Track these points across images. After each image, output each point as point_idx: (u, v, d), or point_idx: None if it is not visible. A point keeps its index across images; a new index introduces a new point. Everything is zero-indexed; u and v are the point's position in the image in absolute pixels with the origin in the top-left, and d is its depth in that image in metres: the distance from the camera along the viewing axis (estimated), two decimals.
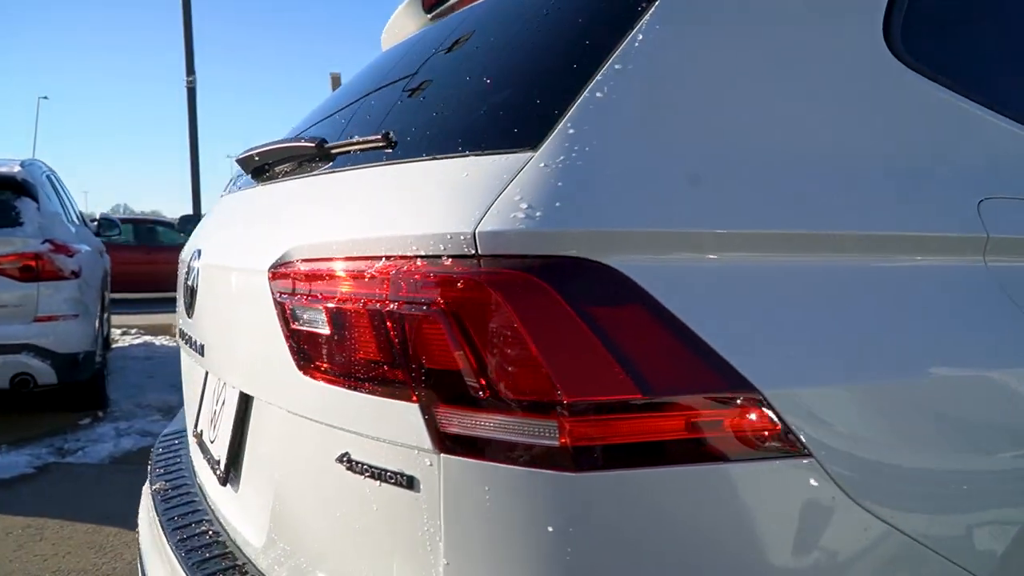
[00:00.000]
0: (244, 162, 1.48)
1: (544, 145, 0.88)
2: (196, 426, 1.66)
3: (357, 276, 0.93)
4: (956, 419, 0.94)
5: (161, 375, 7.12)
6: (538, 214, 0.83)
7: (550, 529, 0.78)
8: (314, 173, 1.22)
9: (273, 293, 1.08)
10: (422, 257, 0.88)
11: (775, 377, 0.83)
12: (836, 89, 0.99)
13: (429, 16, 1.81)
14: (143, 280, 13.56)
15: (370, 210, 0.99)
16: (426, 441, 0.85)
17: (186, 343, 1.56)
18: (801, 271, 0.89)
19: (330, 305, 0.96)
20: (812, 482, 0.83)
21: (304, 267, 1.03)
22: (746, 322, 0.85)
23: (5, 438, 4.84)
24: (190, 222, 8.18)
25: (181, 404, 6.70)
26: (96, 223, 7.23)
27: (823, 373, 0.86)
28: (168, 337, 9.55)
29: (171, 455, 1.83)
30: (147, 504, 1.64)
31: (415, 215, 0.91)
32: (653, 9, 0.97)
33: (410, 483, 0.87)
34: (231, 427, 1.37)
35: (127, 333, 9.62)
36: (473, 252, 0.84)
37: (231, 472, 1.36)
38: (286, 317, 1.05)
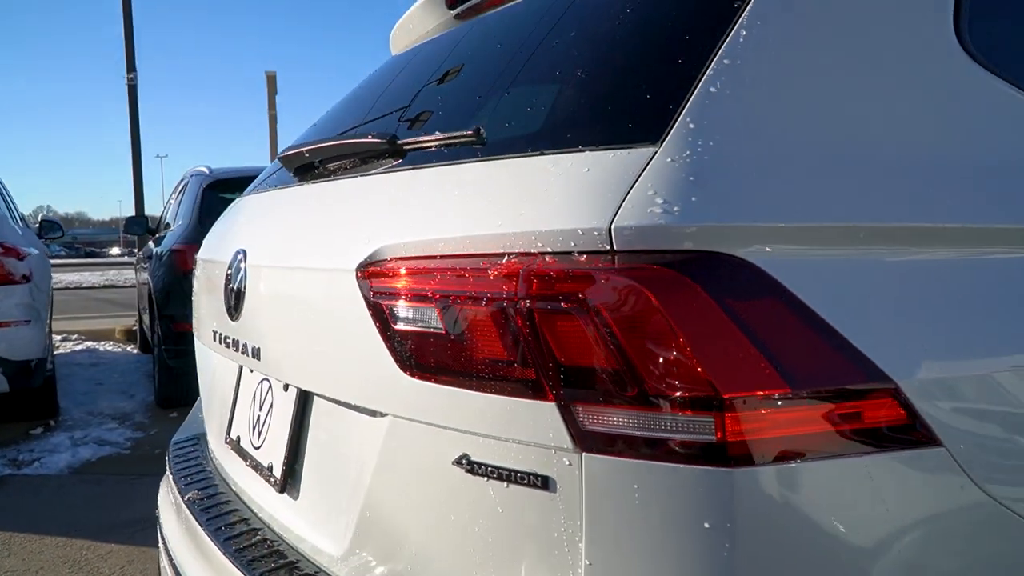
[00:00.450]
0: (289, 160, 1.44)
1: (667, 140, 0.87)
2: (229, 432, 1.60)
3: (475, 273, 0.91)
4: None
5: (110, 382, 6.87)
6: (675, 209, 0.82)
7: (706, 525, 0.78)
8: (386, 170, 1.19)
9: (364, 293, 1.05)
10: (550, 254, 0.86)
11: (907, 368, 0.84)
12: (934, 85, 1.01)
13: (453, 14, 1.79)
14: None
15: (474, 207, 0.97)
16: (565, 440, 0.84)
17: (226, 346, 1.50)
18: (927, 264, 0.91)
19: (443, 304, 0.94)
20: (942, 470, 0.85)
21: (402, 265, 1.00)
22: (877, 314, 0.86)
23: None
24: (136, 224, 7.91)
25: (135, 411, 6.45)
26: (38, 225, 6.93)
27: (951, 363, 0.88)
28: (112, 343, 9.22)
29: (192, 463, 1.77)
30: (178, 515, 1.58)
31: (536, 211, 0.90)
32: (751, 5, 0.97)
33: (544, 483, 0.86)
34: (287, 432, 1.33)
35: (68, 339, 9.25)
36: (608, 248, 0.83)
37: (288, 479, 1.32)
38: (384, 317, 1.02)
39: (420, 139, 1.16)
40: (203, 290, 1.77)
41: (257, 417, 1.47)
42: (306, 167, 1.41)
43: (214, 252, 1.69)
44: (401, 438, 1.01)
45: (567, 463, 0.84)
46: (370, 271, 1.04)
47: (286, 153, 1.43)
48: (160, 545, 1.71)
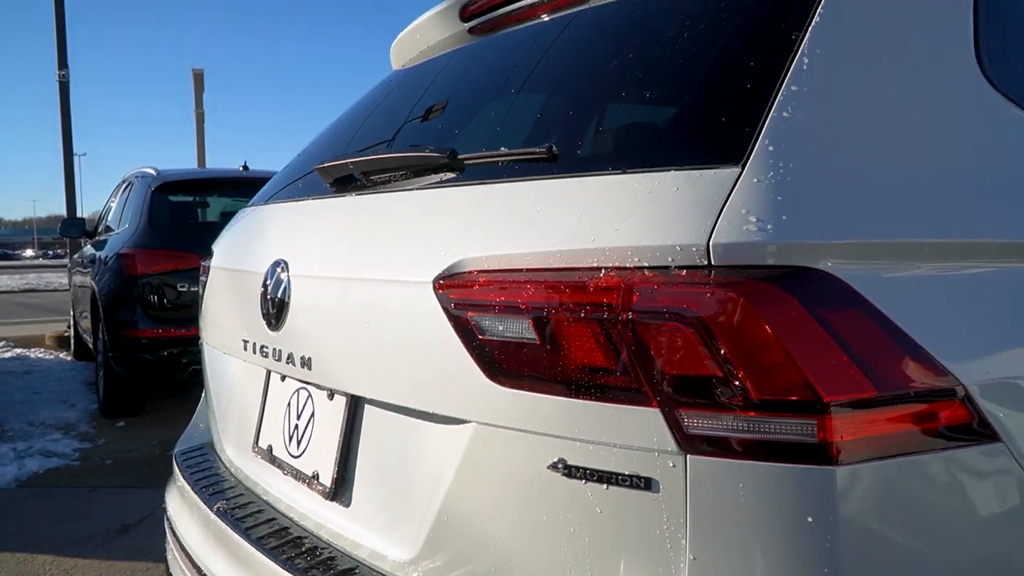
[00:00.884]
0: (328, 171, 1.45)
1: (750, 161, 0.94)
2: (257, 442, 1.60)
3: (572, 286, 0.96)
4: None
5: (48, 391, 6.62)
6: (769, 227, 0.89)
7: (810, 519, 0.84)
8: (449, 184, 1.22)
9: (444, 304, 1.08)
10: (647, 268, 0.92)
11: (973, 371, 0.93)
12: (973, 115, 1.11)
13: (467, 27, 1.82)
14: None
15: (562, 222, 1.02)
16: (669, 443, 0.89)
17: (263, 356, 1.51)
18: (978, 275, 1.00)
19: (536, 315, 0.98)
20: (1001, 464, 0.94)
21: (488, 277, 1.04)
22: (943, 322, 0.94)
23: None
24: (73, 226, 7.63)
25: (80, 421, 6.24)
26: None
27: (1009, 366, 0.97)
28: (43, 349, 8.86)
29: (209, 473, 1.75)
30: (205, 526, 1.57)
31: (631, 227, 0.95)
32: (808, 36, 1.05)
33: (647, 484, 0.91)
34: (337, 441, 1.34)
35: None
36: (705, 263, 0.89)
37: (339, 486, 1.34)
38: (468, 328, 1.05)
39: (483, 155, 1.19)
40: (222, 299, 1.75)
41: (295, 426, 1.48)
42: (346, 179, 1.43)
43: (238, 262, 1.68)
44: (486, 444, 1.05)
45: (671, 464, 0.89)
46: (451, 283, 1.08)
47: (326, 165, 1.44)
48: (177, 557, 1.69)
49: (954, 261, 0.99)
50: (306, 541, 1.36)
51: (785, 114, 0.98)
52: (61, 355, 8.47)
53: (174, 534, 1.74)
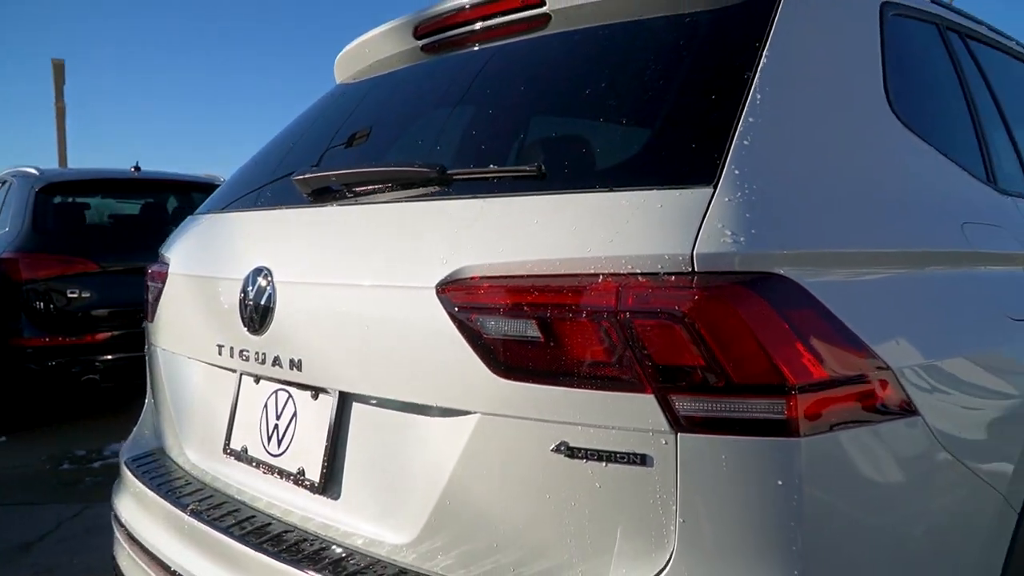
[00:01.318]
0: (306, 183, 1.53)
1: (721, 182, 1.11)
2: (228, 443, 1.65)
3: (573, 290, 1.10)
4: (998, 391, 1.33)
5: None
6: (741, 239, 1.06)
7: (780, 483, 1.01)
8: (438, 197, 1.33)
9: (447, 308, 1.20)
10: (639, 274, 1.07)
11: (900, 358, 1.14)
12: (894, 142, 1.33)
13: (420, 44, 1.92)
14: None
15: (559, 234, 1.15)
16: (662, 424, 1.05)
17: (243, 359, 1.56)
18: (905, 279, 1.22)
19: (540, 316, 1.11)
20: (919, 434, 1.15)
21: (490, 283, 1.17)
22: (877, 318, 1.15)
23: None
24: None
25: None
26: None
27: (925, 354, 1.18)
28: None
29: (171, 477, 1.78)
30: (178, 528, 1.60)
31: (623, 239, 1.10)
32: (759, 73, 1.23)
33: (643, 460, 1.06)
34: (325, 437, 1.42)
35: None
36: (690, 270, 1.05)
37: (327, 480, 1.42)
38: (472, 329, 1.17)
39: (473, 171, 1.32)
40: (186, 305, 1.78)
41: (274, 426, 1.54)
42: (325, 190, 1.51)
43: (207, 269, 1.72)
44: (489, 432, 1.17)
45: (664, 442, 1.05)
46: (453, 288, 1.19)
47: (307, 176, 1.52)
48: (140, 563, 1.71)
49: (881, 267, 1.20)
50: (292, 534, 1.44)
51: (746, 142, 1.16)
52: None
53: (133, 540, 1.75)
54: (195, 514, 1.58)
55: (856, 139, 1.34)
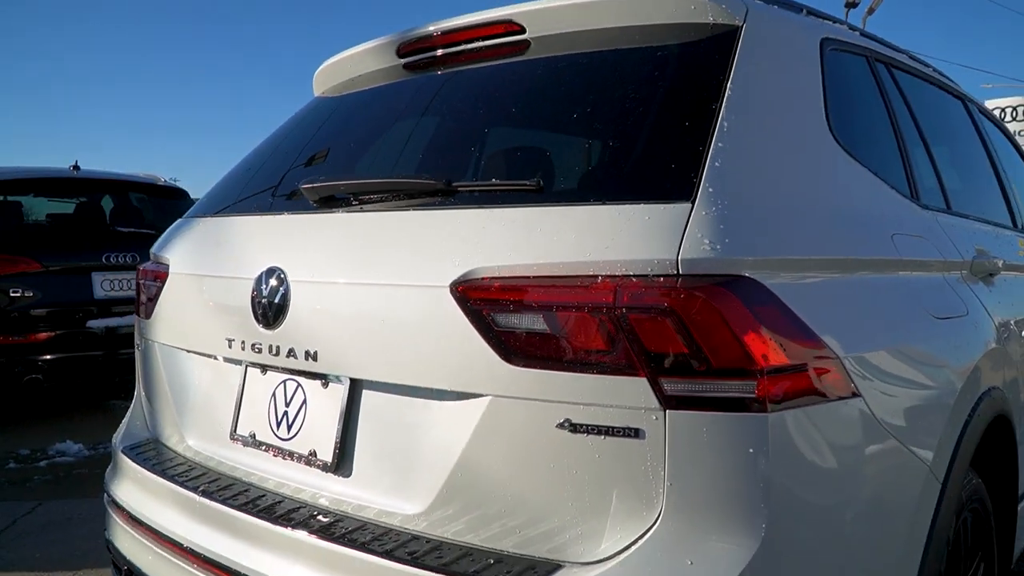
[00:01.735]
0: (315, 190, 1.67)
1: (697, 199, 1.31)
2: (236, 429, 1.77)
3: (577, 289, 1.28)
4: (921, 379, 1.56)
5: None
6: (717, 247, 1.26)
7: (751, 450, 1.22)
8: (444, 206, 1.50)
9: (461, 304, 1.37)
10: (633, 276, 1.26)
11: (845, 348, 1.36)
12: (835, 164, 1.56)
13: (402, 62, 2.08)
14: None
15: (562, 240, 1.33)
16: (653, 402, 1.24)
17: (255, 352, 1.69)
18: (848, 281, 1.45)
19: (547, 311, 1.30)
20: (861, 413, 1.38)
21: (501, 283, 1.34)
22: (826, 314, 1.37)
23: None
24: None
25: None
26: None
27: (864, 345, 1.41)
28: None
29: (174, 463, 1.89)
30: (191, 510, 1.72)
31: (618, 246, 1.28)
32: (725, 104, 1.44)
33: (636, 433, 1.25)
34: (337, 420, 1.57)
35: None
36: (675, 273, 1.25)
37: (340, 460, 1.56)
38: (485, 322, 1.34)
39: (477, 184, 1.49)
40: (189, 303, 1.89)
41: (283, 413, 1.68)
42: (332, 198, 1.66)
43: (213, 269, 1.84)
44: (500, 412, 1.34)
45: (654, 418, 1.24)
46: (467, 286, 1.36)
47: (316, 185, 1.66)
48: (149, 544, 1.82)
49: (827, 271, 1.43)
50: (304, 510, 1.58)
51: (716, 164, 1.36)
52: None
53: (136, 522, 1.86)
54: (206, 494, 1.70)
55: (804, 162, 1.57)
